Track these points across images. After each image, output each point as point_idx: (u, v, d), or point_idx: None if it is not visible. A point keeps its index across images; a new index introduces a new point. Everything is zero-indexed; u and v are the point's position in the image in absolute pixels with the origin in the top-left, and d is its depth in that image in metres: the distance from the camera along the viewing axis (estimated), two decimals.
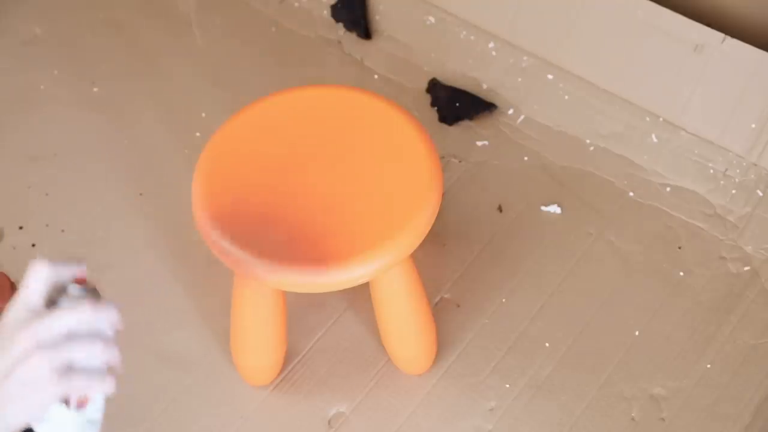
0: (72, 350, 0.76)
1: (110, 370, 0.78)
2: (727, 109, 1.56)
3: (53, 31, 1.90)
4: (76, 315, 0.76)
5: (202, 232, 1.15)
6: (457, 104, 1.71)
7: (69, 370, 0.76)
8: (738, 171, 1.57)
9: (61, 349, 0.75)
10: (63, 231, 1.58)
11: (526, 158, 1.66)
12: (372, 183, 1.15)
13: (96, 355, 0.77)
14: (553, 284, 1.50)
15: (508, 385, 1.40)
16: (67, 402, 0.78)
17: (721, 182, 1.57)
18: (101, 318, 0.77)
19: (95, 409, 0.81)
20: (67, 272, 0.79)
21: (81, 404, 0.79)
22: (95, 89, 1.79)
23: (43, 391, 0.75)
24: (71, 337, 0.76)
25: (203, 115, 1.73)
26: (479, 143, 1.68)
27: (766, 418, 1.35)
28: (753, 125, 1.54)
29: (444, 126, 1.70)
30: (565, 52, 1.69)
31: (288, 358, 1.42)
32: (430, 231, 1.14)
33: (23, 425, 0.77)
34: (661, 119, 1.63)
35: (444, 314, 1.46)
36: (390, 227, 1.11)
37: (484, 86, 1.74)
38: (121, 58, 1.84)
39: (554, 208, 1.59)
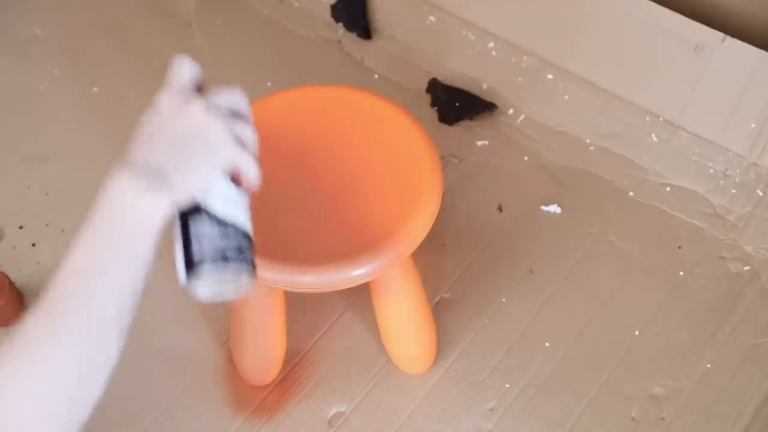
0: (241, 126, 0.79)
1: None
2: (727, 108, 1.56)
3: (53, 31, 1.90)
4: (237, 94, 0.80)
5: None
6: (457, 104, 1.71)
7: (241, 140, 0.78)
8: (738, 171, 1.57)
9: (233, 121, 0.78)
10: (63, 231, 1.58)
11: (526, 158, 1.66)
12: (372, 183, 1.15)
13: (254, 140, 0.80)
14: (553, 284, 1.50)
15: (508, 385, 1.40)
16: (230, 178, 0.80)
17: (721, 182, 1.57)
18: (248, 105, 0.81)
19: (246, 196, 0.83)
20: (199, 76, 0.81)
21: (239, 182, 0.82)
22: (95, 89, 1.79)
23: (223, 153, 0.76)
24: (235, 115, 0.79)
25: None
26: (479, 143, 1.68)
27: (765, 417, 1.35)
28: (753, 125, 1.54)
29: (444, 126, 1.70)
30: (565, 52, 1.69)
31: (288, 358, 1.42)
32: (430, 231, 1.14)
33: (200, 189, 0.77)
34: (661, 119, 1.63)
35: (444, 314, 1.46)
36: (390, 227, 1.11)
37: (484, 86, 1.74)
38: (121, 58, 1.84)
39: (554, 208, 1.59)
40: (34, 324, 0.67)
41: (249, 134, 0.79)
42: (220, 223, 0.79)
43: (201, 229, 0.79)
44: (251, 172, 0.79)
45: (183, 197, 0.75)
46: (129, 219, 0.71)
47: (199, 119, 0.76)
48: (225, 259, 0.78)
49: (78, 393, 0.68)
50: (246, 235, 0.81)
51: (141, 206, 0.71)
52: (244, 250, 0.80)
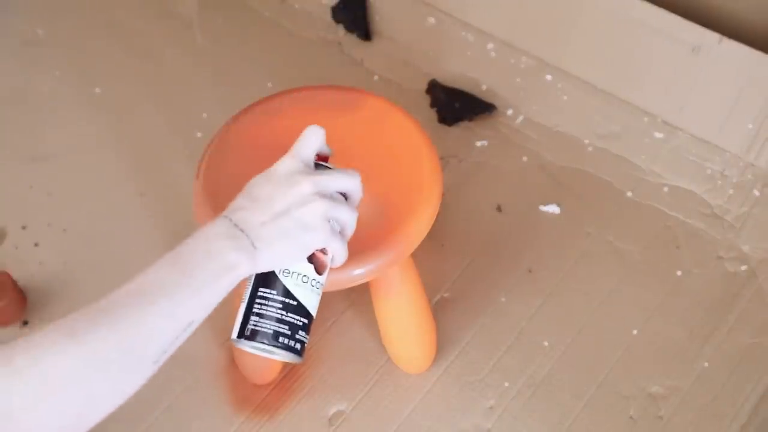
0: (341, 212, 0.81)
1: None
2: (724, 109, 1.56)
3: (55, 32, 1.90)
4: (350, 179, 0.82)
5: None
6: (457, 105, 1.72)
7: (335, 227, 0.81)
8: (735, 171, 1.58)
9: (336, 205, 0.80)
10: (65, 230, 1.59)
11: (525, 158, 1.66)
12: (372, 183, 1.16)
13: (351, 226, 0.83)
14: (552, 284, 1.50)
15: (507, 384, 1.40)
16: (313, 262, 0.83)
17: (719, 182, 1.58)
18: (360, 190, 0.83)
19: (325, 277, 0.85)
20: (324, 146, 0.85)
21: (322, 268, 0.84)
22: (97, 90, 1.80)
23: (312, 236, 0.79)
24: (340, 199, 0.82)
25: (204, 115, 1.74)
26: (479, 143, 1.69)
27: (762, 416, 1.36)
28: (750, 125, 1.55)
29: (444, 126, 1.71)
30: (563, 53, 1.70)
31: None
32: (430, 231, 1.15)
33: (282, 265, 0.80)
34: (659, 119, 1.64)
35: (444, 314, 1.47)
36: (390, 227, 1.11)
37: (484, 87, 1.75)
38: (123, 59, 1.85)
39: (553, 208, 1.59)
40: (73, 322, 0.67)
41: (347, 219, 0.82)
42: (288, 297, 0.82)
43: (268, 299, 0.82)
44: (338, 257, 0.83)
45: (265, 266, 0.78)
46: (211, 263, 0.73)
47: (304, 199, 0.79)
48: (276, 341, 0.81)
49: (88, 407, 0.67)
50: (308, 315, 0.84)
51: (225, 257, 0.74)
52: (299, 331, 0.83)
